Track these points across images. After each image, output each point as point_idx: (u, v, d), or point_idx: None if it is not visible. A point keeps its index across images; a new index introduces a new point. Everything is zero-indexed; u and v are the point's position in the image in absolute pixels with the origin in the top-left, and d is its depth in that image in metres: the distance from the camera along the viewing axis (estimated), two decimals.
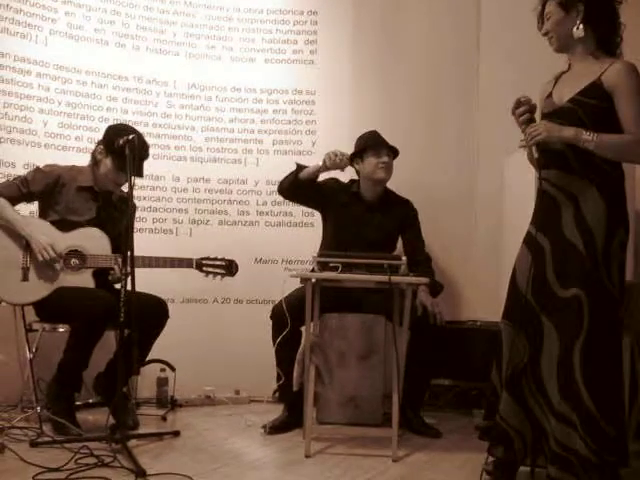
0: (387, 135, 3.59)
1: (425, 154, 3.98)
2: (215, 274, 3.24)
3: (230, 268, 3.27)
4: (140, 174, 2.99)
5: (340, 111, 4.10)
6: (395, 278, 2.82)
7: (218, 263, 3.25)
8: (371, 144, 3.47)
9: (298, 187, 3.28)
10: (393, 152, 3.51)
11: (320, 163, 3.21)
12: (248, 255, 3.95)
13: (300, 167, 3.30)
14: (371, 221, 3.46)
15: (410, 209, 3.56)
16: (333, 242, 3.42)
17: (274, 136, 4.18)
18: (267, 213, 4.13)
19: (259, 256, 4.08)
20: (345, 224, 3.42)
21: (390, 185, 3.60)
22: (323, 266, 2.86)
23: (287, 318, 3.14)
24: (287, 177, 3.32)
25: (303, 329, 3.14)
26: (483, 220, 3.87)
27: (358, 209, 3.48)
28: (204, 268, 3.25)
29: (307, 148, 4.14)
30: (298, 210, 4.06)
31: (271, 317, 3.31)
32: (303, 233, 4.07)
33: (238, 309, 4.02)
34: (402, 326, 2.99)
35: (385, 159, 3.44)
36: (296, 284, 3.11)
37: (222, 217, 4.12)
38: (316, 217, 3.83)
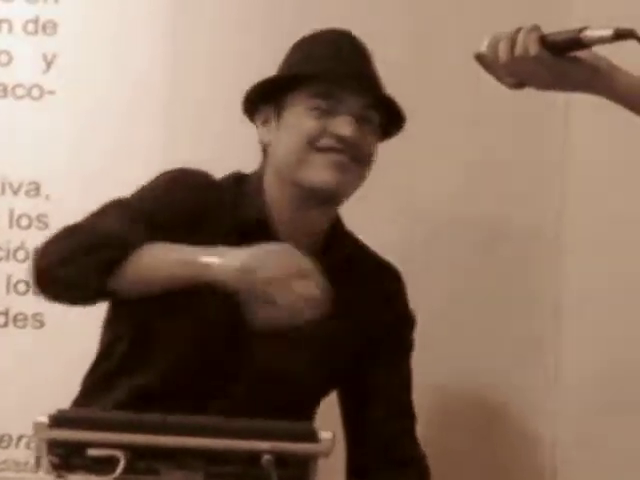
0: None
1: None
2: None
3: None
4: None
5: None
6: None
7: None
8: (315, 68, 2.95)
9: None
10: (385, 105, 3.02)
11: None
12: None
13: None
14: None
15: (392, 303, 3.10)
16: (175, 377, 2.92)
17: None
18: None
19: None
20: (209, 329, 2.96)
21: (379, 214, 3.31)
22: (68, 456, 2.23)
23: None
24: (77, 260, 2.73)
25: None
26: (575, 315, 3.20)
27: None
28: None
29: (31, 79, 3.34)
30: None
31: None
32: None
33: None
34: None
35: (347, 119, 2.88)
36: None
37: None
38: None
